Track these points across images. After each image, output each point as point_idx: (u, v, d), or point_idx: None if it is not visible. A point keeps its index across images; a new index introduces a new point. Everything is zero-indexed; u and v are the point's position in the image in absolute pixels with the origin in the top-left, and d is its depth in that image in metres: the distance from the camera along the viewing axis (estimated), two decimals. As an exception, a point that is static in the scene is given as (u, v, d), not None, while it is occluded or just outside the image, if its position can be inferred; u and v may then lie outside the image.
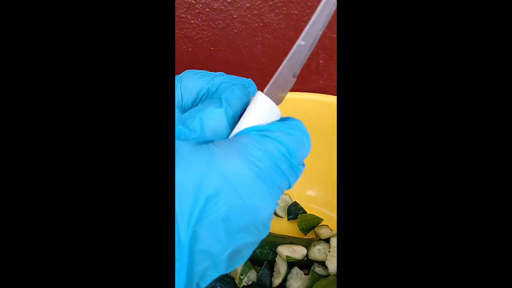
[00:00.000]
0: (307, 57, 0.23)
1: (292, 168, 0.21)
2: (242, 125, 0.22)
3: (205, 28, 0.52)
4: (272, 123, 0.22)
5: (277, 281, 0.45)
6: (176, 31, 0.53)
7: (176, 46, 0.54)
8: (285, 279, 0.46)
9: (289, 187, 0.22)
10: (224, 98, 0.22)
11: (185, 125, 0.21)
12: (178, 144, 0.21)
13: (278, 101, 0.23)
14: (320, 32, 0.22)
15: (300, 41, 0.22)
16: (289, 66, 0.22)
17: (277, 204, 0.21)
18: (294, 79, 0.23)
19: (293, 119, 0.23)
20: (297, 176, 0.22)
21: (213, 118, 0.21)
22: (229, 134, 0.22)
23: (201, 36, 0.53)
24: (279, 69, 0.22)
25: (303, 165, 0.22)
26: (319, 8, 0.21)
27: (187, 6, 0.50)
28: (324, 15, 0.22)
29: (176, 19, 0.52)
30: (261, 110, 0.22)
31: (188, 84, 0.27)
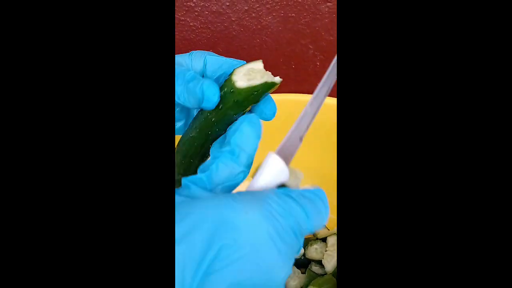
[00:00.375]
0: (312, 121, 0.24)
1: (303, 235, 0.21)
2: (256, 183, 0.23)
3: (204, 30, 0.53)
4: (298, 189, 0.23)
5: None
6: (175, 33, 0.53)
7: (175, 48, 0.55)
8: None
9: (298, 252, 0.22)
10: (234, 143, 0.23)
11: (203, 172, 0.22)
12: (199, 191, 0.21)
13: (286, 162, 0.24)
14: (325, 98, 0.23)
15: (307, 107, 0.23)
16: (297, 131, 0.24)
17: (291, 269, 0.21)
18: (301, 143, 0.24)
19: (318, 189, 0.23)
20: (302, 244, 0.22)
21: (227, 166, 0.22)
22: (245, 176, 0.23)
23: (200, 38, 0.54)
24: (288, 133, 0.24)
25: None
26: (325, 75, 0.23)
27: (186, 9, 0.51)
28: (330, 81, 0.23)
29: (176, 21, 0.52)
30: (272, 169, 0.23)
31: (196, 58, 0.29)
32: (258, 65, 0.26)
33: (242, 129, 0.23)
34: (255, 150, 0.24)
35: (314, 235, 0.52)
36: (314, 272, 0.46)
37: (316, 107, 0.24)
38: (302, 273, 0.47)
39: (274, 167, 0.23)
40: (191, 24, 0.53)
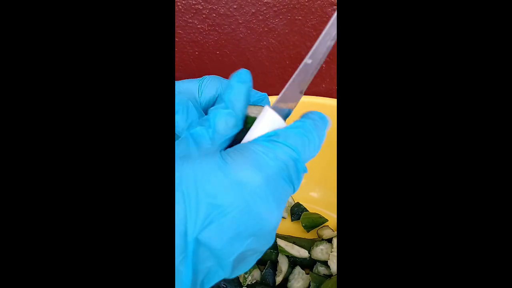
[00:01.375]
0: (313, 75, 0.24)
1: (298, 172, 0.22)
2: (250, 137, 0.23)
3: (211, 33, 0.54)
4: (285, 127, 0.23)
5: (278, 278, 0.46)
6: (183, 36, 0.54)
7: (183, 50, 0.55)
8: (287, 279, 0.47)
9: (293, 192, 0.23)
10: (227, 98, 0.24)
11: (202, 125, 0.23)
12: (192, 148, 0.22)
13: (285, 115, 0.24)
14: (327, 52, 0.23)
15: (307, 59, 0.23)
16: (296, 83, 0.24)
17: (282, 213, 0.22)
18: (301, 95, 0.24)
19: (308, 113, 0.24)
20: (300, 180, 0.23)
21: (222, 117, 0.23)
22: (240, 128, 0.24)
23: (207, 40, 0.54)
24: (286, 86, 0.23)
25: (305, 170, 0.23)
26: (326, 27, 0.23)
27: (194, 11, 0.52)
28: (330, 34, 0.23)
29: (183, 24, 0.53)
30: (268, 123, 0.23)
31: (207, 84, 0.31)
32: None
33: (233, 86, 0.24)
34: (246, 103, 0.25)
35: (320, 236, 0.53)
36: (317, 274, 0.46)
37: (318, 61, 0.23)
38: (306, 273, 0.47)
39: (269, 121, 0.23)
40: (198, 26, 0.53)
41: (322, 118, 0.24)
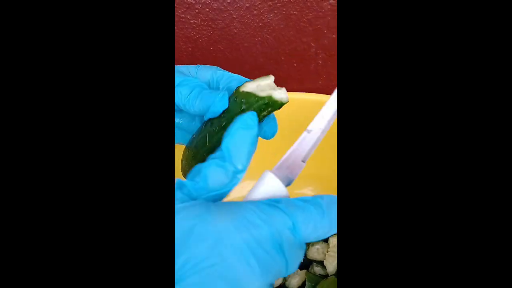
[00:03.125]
0: (316, 145, 0.23)
1: (294, 245, 0.20)
2: (247, 199, 0.22)
3: (204, 28, 0.53)
4: (289, 198, 0.21)
5: (278, 281, 0.45)
6: (176, 31, 0.53)
7: (176, 46, 0.54)
8: (284, 278, 0.46)
9: (286, 267, 0.20)
10: (225, 147, 0.21)
11: (193, 180, 0.21)
12: (178, 196, 0.20)
13: (286, 182, 0.23)
14: (329, 125, 0.23)
15: (308, 128, 0.23)
16: (298, 152, 0.23)
17: (269, 286, 0.19)
18: (304, 164, 0.23)
19: (317, 196, 0.21)
20: (297, 258, 0.20)
21: (215, 174, 0.21)
22: (236, 183, 0.22)
23: (200, 36, 0.53)
24: (288, 152, 0.23)
25: (303, 247, 0.21)
26: (329, 100, 0.23)
27: (187, 6, 0.50)
28: (332, 107, 0.23)
29: (176, 19, 0.52)
30: (267, 188, 0.22)
31: (203, 69, 0.29)
32: (267, 79, 0.25)
33: (234, 133, 0.22)
34: (250, 154, 0.22)
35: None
36: (315, 274, 0.45)
37: (320, 131, 0.23)
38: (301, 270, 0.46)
39: (269, 186, 0.22)
40: (191, 21, 0.52)
41: (332, 204, 0.21)
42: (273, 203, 0.20)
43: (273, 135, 0.27)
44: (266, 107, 0.24)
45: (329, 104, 0.23)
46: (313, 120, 0.23)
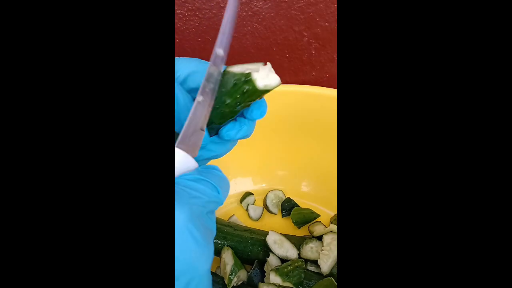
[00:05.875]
0: (209, 111, 0.24)
1: (214, 213, 0.23)
2: None
3: (191, 18, 0.50)
4: (198, 168, 0.25)
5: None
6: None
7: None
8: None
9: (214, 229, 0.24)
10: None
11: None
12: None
13: (193, 153, 0.24)
14: (215, 92, 0.24)
15: (198, 97, 0.23)
16: (195, 121, 0.24)
17: (212, 254, 0.22)
18: (203, 132, 0.24)
19: (212, 165, 0.27)
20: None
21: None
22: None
23: (187, 26, 0.51)
24: (185, 124, 0.24)
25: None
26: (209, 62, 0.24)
27: (172, -6, 0.48)
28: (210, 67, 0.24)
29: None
30: (179, 165, 0.23)
31: (183, 61, 0.29)
32: (257, 65, 0.25)
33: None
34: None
35: (311, 232, 0.50)
36: (310, 271, 0.44)
37: (210, 96, 0.24)
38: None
39: (179, 162, 0.23)
40: (177, 11, 0.49)
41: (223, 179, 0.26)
42: (196, 175, 0.23)
43: (261, 116, 0.27)
44: (244, 84, 0.24)
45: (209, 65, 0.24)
46: (200, 88, 0.24)
